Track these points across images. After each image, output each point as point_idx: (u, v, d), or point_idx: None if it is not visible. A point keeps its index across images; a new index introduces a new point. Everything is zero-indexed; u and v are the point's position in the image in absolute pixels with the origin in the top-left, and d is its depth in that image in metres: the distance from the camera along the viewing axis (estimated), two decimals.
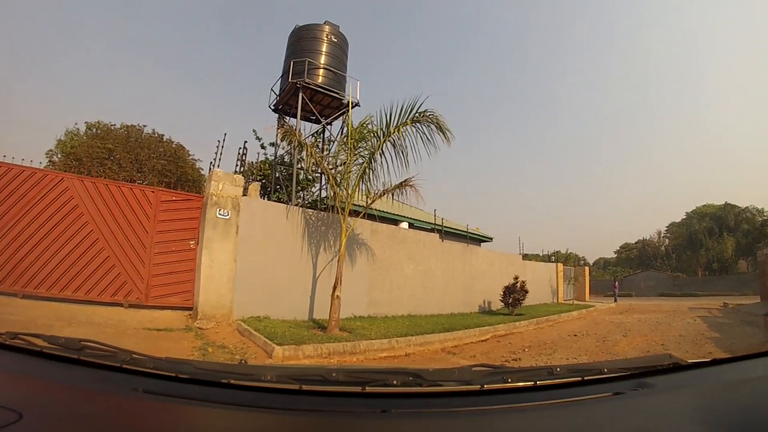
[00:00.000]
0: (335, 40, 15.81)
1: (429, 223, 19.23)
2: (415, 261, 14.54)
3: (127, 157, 18.73)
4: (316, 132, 16.91)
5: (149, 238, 9.57)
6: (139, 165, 18.95)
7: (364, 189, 9.95)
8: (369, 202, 9.98)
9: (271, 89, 16.49)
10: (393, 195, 10.27)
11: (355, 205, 10.09)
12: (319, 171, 14.54)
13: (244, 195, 10.52)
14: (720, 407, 1.45)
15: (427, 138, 9.56)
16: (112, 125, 21.28)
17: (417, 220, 19.79)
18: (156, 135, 20.92)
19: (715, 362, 1.81)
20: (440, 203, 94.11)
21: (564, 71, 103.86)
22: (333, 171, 10.45)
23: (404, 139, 9.55)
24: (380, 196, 10.11)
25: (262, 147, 17.82)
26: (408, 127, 9.52)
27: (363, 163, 9.78)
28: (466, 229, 22.42)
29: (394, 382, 1.48)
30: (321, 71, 15.06)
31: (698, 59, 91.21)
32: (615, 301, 30.79)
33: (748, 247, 48.75)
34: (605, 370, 1.67)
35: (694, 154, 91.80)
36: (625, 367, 1.73)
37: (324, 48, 15.44)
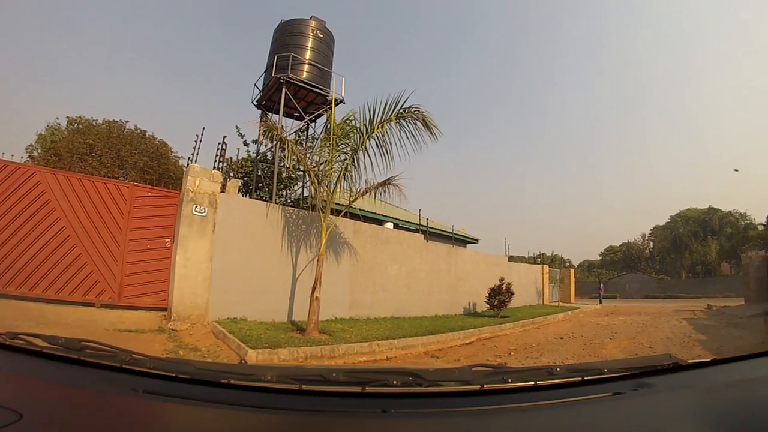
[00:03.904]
0: (321, 36, 15.61)
1: (414, 223, 19.12)
2: (399, 262, 14.38)
3: (109, 153, 18.29)
4: (300, 129, 16.72)
5: (123, 236, 9.29)
6: (121, 161, 18.57)
7: (346, 187, 9.76)
8: (351, 200, 9.72)
9: (255, 85, 16.30)
10: (376, 194, 10.10)
11: (337, 204, 9.96)
12: (301, 169, 14.13)
13: (222, 192, 10.29)
14: (720, 407, 1.45)
15: (413, 135, 9.35)
16: (94, 120, 20.95)
17: (402, 220, 19.68)
18: (138, 131, 20.50)
19: (715, 362, 1.83)
20: (427, 205, 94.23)
21: (554, 74, 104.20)
22: (315, 168, 10.23)
23: (388, 136, 9.34)
24: (362, 195, 9.95)
25: (245, 144, 17.49)
26: (392, 123, 9.31)
27: (345, 160, 9.57)
28: (451, 230, 22.28)
29: (394, 382, 1.49)
30: (305, 67, 14.87)
31: (686, 64, 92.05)
32: (600, 303, 31.16)
33: (731, 250, 49.22)
34: (605, 370, 1.67)
35: (679, 158, 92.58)
36: (625, 367, 1.73)
37: (309, 43, 15.25)
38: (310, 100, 15.35)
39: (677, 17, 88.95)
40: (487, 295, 15.96)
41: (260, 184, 15.95)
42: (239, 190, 15.11)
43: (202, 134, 14.07)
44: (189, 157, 15.04)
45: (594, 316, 20.40)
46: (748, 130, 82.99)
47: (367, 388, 1.43)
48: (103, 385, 1.41)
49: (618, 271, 60.31)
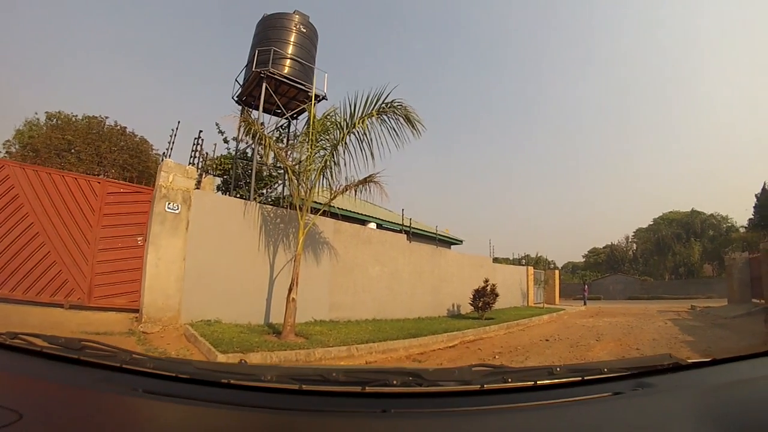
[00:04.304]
0: (304, 31, 15.42)
1: (398, 224, 18.93)
2: (381, 262, 14.20)
3: (87, 149, 18.06)
4: (281, 126, 16.49)
5: (94, 234, 8.97)
6: (100, 158, 18.40)
7: (325, 184, 9.58)
8: (330, 198, 9.48)
9: (236, 80, 16.03)
10: (357, 192, 9.90)
11: (316, 202, 9.82)
12: (280, 166, 13.74)
13: (197, 188, 10.02)
14: (720, 407, 1.45)
15: (395, 131, 9.15)
16: (73, 116, 20.51)
17: (385, 221, 19.57)
18: (118, 127, 20.23)
19: (715, 362, 1.84)
20: (412, 206, 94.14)
21: (542, 76, 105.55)
22: (294, 165, 9.99)
23: (369, 132, 9.13)
24: (342, 192, 9.79)
25: (225, 141, 17.22)
26: (374, 118, 9.10)
27: (325, 156, 9.35)
28: (435, 231, 22.02)
29: (394, 382, 1.50)
30: (287, 62, 14.68)
31: (671, 70, 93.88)
32: (584, 304, 31.60)
33: (713, 252, 51.68)
34: (605, 370, 1.69)
35: (662, 162, 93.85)
36: (625, 367, 1.75)
37: (292, 38, 15.05)
38: (291, 96, 15.17)
39: (661, 22, 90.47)
40: (472, 296, 15.87)
41: (240, 183, 15.51)
42: (218, 189, 14.68)
43: (177, 128, 13.66)
44: (163, 153, 14.66)
45: (579, 317, 20.50)
46: (730, 136, 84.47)
47: (367, 388, 1.44)
48: (103, 385, 1.42)
49: (602, 273, 61.76)
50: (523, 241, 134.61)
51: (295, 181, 9.50)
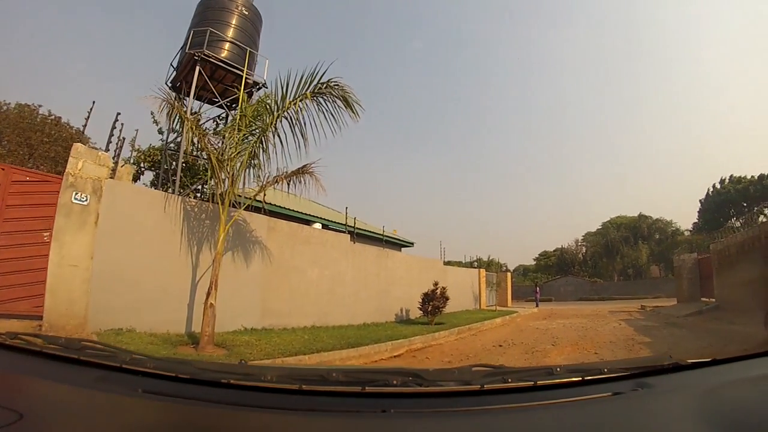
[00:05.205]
0: (246, 13, 14.81)
1: (345, 225, 18.38)
2: (322, 265, 13.68)
3: (17, 140, 16.82)
4: (219, 116, 15.67)
5: None
6: (31, 150, 17.12)
7: (253, 175, 9.19)
8: (258, 190, 8.55)
9: (171, 64, 15.12)
10: (290, 184, 9.31)
11: (252, 199, 9.36)
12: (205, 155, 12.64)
13: (112, 178, 9.18)
14: (720, 407, 1.45)
15: (332, 115, 8.53)
16: (5, 104, 19.03)
17: (331, 221, 19.29)
18: (52, 118, 18.81)
19: (715, 362, 1.86)
20: (363, 209, 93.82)
21: (490, 80, 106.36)
22: (221, 154, 8.98)
23: (303, 116, 8.59)
24: (273, 184, 9.51)
25: (160, 132, 16.23)
26: (308, 101, 8.51)
27: (253, 141, 8.72)
28: (382, 232, 21.31)
29: (394, 382, 1.51)
30: (226, 45, 14.06)
31: (615, 74, 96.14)
32: (537, 306, 32.55)
33: (660, 254, 54.81)
34: (605, 370, 1.71)
35: (609, 168, 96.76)
36: (625, 367, 1.78)
37: (233, 20, 14.32)
38: (229, 83, 14.34)
39: (606, 28, 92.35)
40: (420, 300, 15.57)
41: (174, 177, 14.19)
42: (152, 185, 13.43)
43: (91, 109, 12.39)
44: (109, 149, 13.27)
45: (532, 319, 20.83)
46: (676, 141, 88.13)
47: (366, 388, 1.43)
48: (103, 384, 1.42)
49: (553, 275, 64.22)
50: (476, 244, 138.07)
51: (217, 170, 8.75)
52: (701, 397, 1.57)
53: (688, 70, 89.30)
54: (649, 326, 15.18)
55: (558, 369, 1.70)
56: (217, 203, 9.08)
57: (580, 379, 1.60)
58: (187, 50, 13.35)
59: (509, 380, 1.54)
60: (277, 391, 1.42)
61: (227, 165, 8.68)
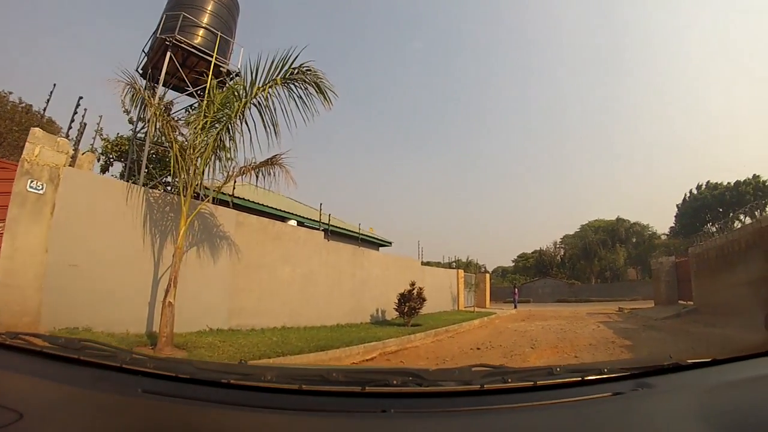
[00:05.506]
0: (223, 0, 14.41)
1: (321, 222, 18.03)
2: (293, 263, 13.39)
3: None
4: (191, 106, 15.06)
5: None
6: (0, 138, 16.37)
7: (220, 166, 8.72)
8: (225, 180, 8.13)
9: (143, 50, 14.66)
10: (259, 176, 9.03)
11: (223, 192, 9.30)
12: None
13: (71, 166, 8.83)
14: (720, 407, 1.47)
15: (304, 102, 8.17)
16: None
17: (308, 218, 19.00)
18: (23, 105, 18.19)
19: (715, 362, 1.87)
20: (341, 207, 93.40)
21: (469, 79, 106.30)
22: (185, 142, 8.65)
23: (273, 102, 8.23)
24: (241, 174, 9.12)
25: (130, 122, 15.40)
26: (279, 87, 8.14)
27: (219, 129, 8.39)
28: (358, 230, 20.84)
29: (394, 382, 1.53)
30: (200, 32, 13.67)
31: (598, 75, 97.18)
32: (515, 307, 32.81)
33: (637, 257, 56.00)
34: (605, 370, 1.72)
35: (588, 172, 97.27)
36: (625, 367, 1.80)
37: (209, 6, 13.96)
38: (202, 70, 13.54)
39: (585, 33, 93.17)
40: (397, 301, 15.37)
41: (146, 169, 13.60)
42: (122, 177, 12.86)
43: (52, 92, 11.78)
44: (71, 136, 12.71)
45: (511, 321, 20.87)
46: (653, 148, 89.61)
47: (366, 387, 1.44)
48: (103, 384, 1.42)
49: (531, 277, 65.12)
50: (454, 245, 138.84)
51: (180, 159, 8.34)
52: (701, 397, 1.60)
53: (674, 75, 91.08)
54: (629, 329, 15.29)
55: (558, 369, 1.72)
56: (180, 194, 8.77)
57: (580, 379, 1.63)
58: (158, 35, 12.97)
59: (509, 380, 1.57)
60: (277, 391, 1.43)
61: (189, 153, 8.34)
